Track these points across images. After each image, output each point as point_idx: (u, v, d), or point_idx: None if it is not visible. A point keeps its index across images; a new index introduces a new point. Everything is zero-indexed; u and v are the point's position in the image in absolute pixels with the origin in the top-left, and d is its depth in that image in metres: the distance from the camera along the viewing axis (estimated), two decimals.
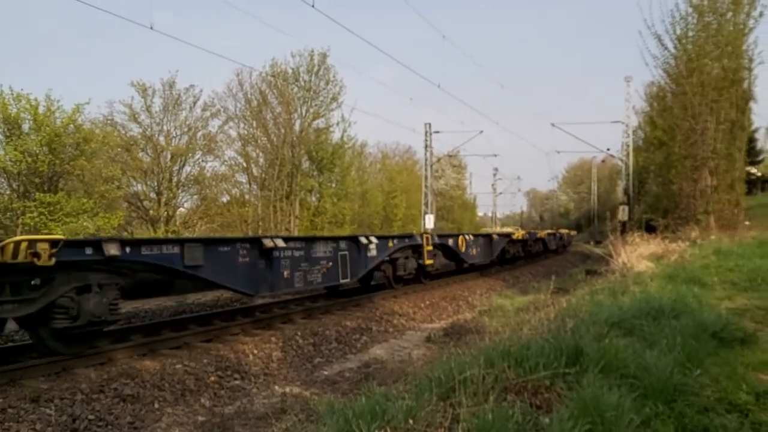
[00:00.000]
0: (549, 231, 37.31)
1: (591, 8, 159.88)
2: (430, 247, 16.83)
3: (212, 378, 8.00)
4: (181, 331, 9.99)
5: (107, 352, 8.26)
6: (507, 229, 36.02)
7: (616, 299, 8.90)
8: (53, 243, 7.06)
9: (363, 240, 13.62)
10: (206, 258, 9.18)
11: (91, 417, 6.43)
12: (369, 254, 13.82)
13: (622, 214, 40.28)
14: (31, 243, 6.83)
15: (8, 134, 22.53)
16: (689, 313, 7.23)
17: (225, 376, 8.19)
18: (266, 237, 10.69)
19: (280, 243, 10.73)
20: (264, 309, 12.37)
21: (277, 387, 8.14)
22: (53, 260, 7.00)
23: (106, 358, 8.09)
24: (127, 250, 8.07)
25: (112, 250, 7.75)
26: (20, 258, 6.69)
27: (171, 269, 8.70)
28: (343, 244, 12.95)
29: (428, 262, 16.58)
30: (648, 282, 10.56)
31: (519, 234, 27.27)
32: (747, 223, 22.54)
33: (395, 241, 15.34)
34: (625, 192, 42.97)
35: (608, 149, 48.97)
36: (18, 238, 6.83)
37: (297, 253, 11.37)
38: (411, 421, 3.94)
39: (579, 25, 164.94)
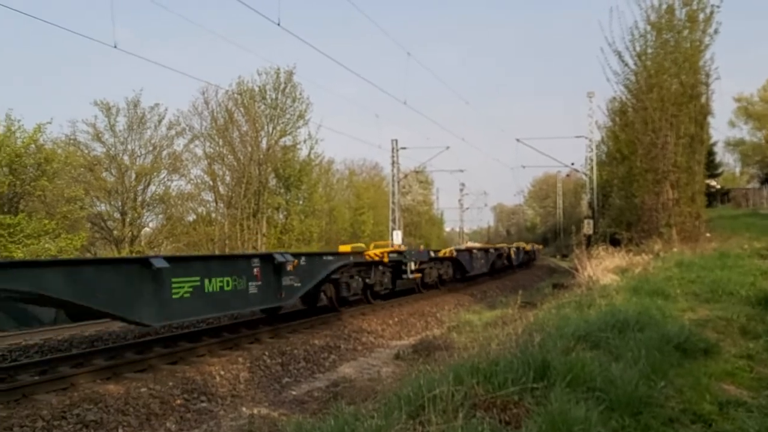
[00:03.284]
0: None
1: (553, 25, 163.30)
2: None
3: (178, 401, 7.84)
4: (146, 353, 9.79)
5: (69, 377, 8.04)
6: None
7: (582, 312, 8.99)
8: None
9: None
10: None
11: None
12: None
13: (587, 227, 40.85)
14: None
15: None
16: (653, 325, 7.35)
17: (191, 398, 8.04)
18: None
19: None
20: (231, 329, 12.20)
21: (244, 408, 8.01)
22: None
23: (68, 383, 7.87)
24: None
25: None
26: None
27: None
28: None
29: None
30: (613, 295, 10.69)
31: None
32: (708, 234, 23.01)
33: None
34: (590, 206, 43.63)
35: (572, 164, 49.61)
36: None
37: None
38: None
39: (542, 41, 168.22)
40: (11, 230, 21.36)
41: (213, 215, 37.41)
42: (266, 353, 10.24)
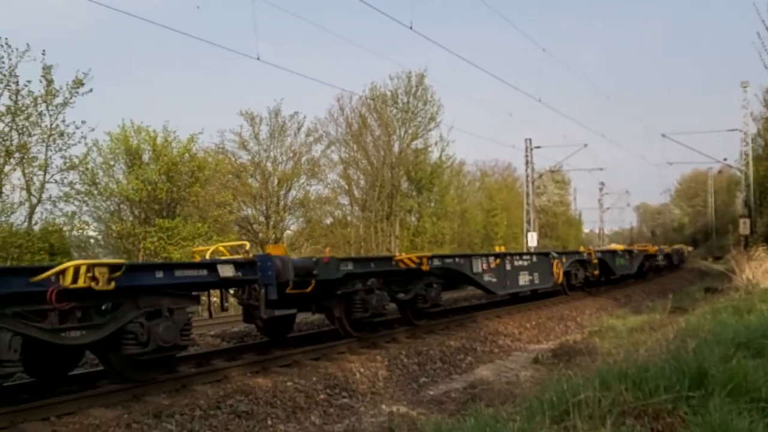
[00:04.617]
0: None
1: (700, 13, 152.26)
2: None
3: (321, 396, 8.14)
4: (290, 349, 10.26)
5: (222, 369, 8.59)
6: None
7: (741, 318, 8.31)
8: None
9: None
10: None
11: None
12: None
13: (743, 227, 37.70)
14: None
15: (130, 164, 24.22)
16: None
17: (333, 394, 8.31)
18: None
19: None
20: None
21: (384, 406, 8.17)
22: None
23: (222, 375, 8.41)
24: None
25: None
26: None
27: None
28: None
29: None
30: None
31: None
32: None
33: None
34: (746, 204, 40.21)
35: (725, 159, 45.93)
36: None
37: None
38: None
39: (689, 30, 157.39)
40: (170, 233, 23.23)
41: (349, 218, 38.57)
42: (403, 352, 10.37)
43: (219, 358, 9.62)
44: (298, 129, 32.89)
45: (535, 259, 16.74)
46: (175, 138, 25.32)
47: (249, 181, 32.10)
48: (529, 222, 43.13)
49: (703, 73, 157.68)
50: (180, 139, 25.39)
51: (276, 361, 9.31)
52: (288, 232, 34.24)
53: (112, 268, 6.79)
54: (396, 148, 37.24)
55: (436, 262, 12.38)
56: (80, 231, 23.10)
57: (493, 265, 14.09)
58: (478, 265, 13.58)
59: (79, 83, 19.96)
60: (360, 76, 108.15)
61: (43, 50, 19.33)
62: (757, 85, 40.56)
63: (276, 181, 32.19)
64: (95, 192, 23.61)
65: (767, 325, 7.03)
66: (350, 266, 10.10)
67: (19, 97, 18.89)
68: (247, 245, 10.33)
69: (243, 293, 9.30)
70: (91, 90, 20.25)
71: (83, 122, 20.45)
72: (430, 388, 9.34)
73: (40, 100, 19.42)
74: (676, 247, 39.92)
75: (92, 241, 24.76)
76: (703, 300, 14.36)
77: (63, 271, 6.40)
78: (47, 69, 19.27)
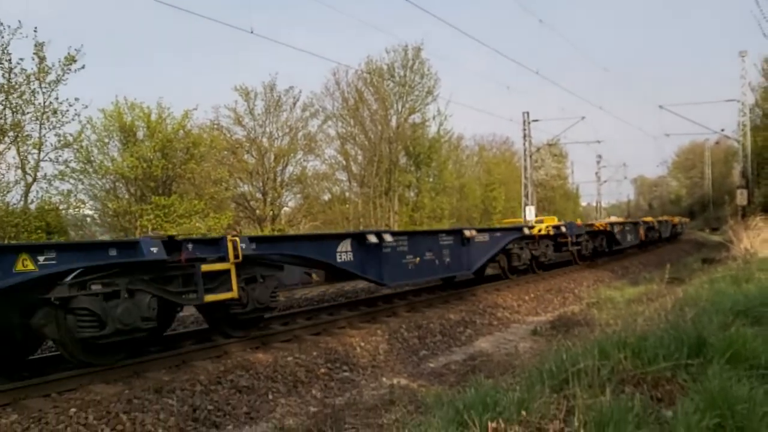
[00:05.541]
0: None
1: None
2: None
3: (322, 370, 8.19)
4: (290, 324, 10.29)
5: (222, 345, 8.62)
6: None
7: (739, 287, 8.34)
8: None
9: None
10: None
11: (210, 407, 6.75)
12: None
13: (741, 198, 37.71)
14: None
15: (125, 141, 24.02)
16: None
17: (334, 368, 8.36)
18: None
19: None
20: (369, 303, 12.53)
21: (384, 379, 8.22)
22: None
23: (222, 351, 8.45)
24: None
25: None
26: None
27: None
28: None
29: None
30: None
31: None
32: None
33: None
34: (743, 175, 40.15)
35: (722, 130, 45.83)
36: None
37: None
38: (524, 413, 3.84)
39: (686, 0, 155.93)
40: (166, 210, 23.13)
41: (347, 194, 38.49)
42: (403, 326, 10.42)
43: (219, 333, 9.64)
44: (294, 104, 32.58)
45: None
46: (170, 114, 25.05)
47: (245, 157, 31.88)
48: (527, 196, 43.08)
49: (701, 43, 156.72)
50: (174, 115, 25.12)
51: (276, 336, 9.35)
52: (285, 208, 34.16)
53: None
54: (393, 123, 37.01)
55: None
56: (76, 209, 23.00)
57: None
58: None
59: (71, 60, 19.68)
60: (357, 49, 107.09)
61: (35, 27, 19.05)
62: (755, 55, 40.39)
63: (272, 157, 32.00)
64: (90, 170, 23.42)
65: (766, 293, 7.05)
66: None
67: (12, 75, 18.65)
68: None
69: None
70: (83, 67, 19.96)
71: (76, 99, 20.19)
72: (431, 360, 9.40)
73: (33, 78, 19.18)
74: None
75: (89, 219, 24.67)
76: (701, 270, 14.40)
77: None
78: (39, 46, 19.00)
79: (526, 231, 16.40)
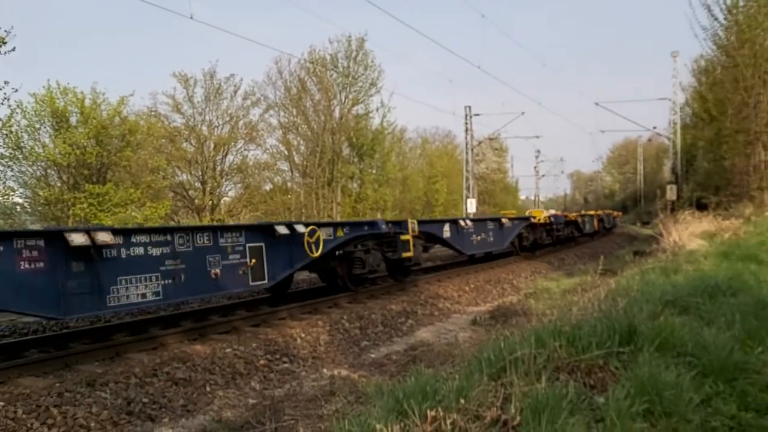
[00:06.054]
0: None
1: None
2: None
3: (261, 361, 8.09)
4: (230, 315, 10.14)
5: (158, 337, 8.42)
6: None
7: (668, 278, 8.67)
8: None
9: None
10: None
11: (145, 400, 6.58)
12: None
13: (671, 193, 39.26)
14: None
15: (57, 127, 23.09)
16: (747, 291, 7.00)
17: (274, 359, 8.28)
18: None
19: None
20: (311, 294, 12.45)
21: (325, 370, 8.19)
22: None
23: (158, 343, 8.25)
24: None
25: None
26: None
27: None
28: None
29: None
30: (701, 260, 10.26)
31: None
32: None
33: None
34: (673, 171, 41.80)
35: (654, 127, 47.61)
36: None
37: None
38: (462, 401, 3.89)
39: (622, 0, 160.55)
40: (100, 199, 22.40)
41: (289, 184, 38.14)
42: (345, 317, 10.41)
43: (155, 325, 9.42)
44: (235, 92, 32.06)
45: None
46: (105, 100, 24.31)
47: (183, 145, 31.16)
48: (468, 189, 43.69)
49: (637, 43, 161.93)
50: (110, 101, 24.41)
51: (214, 327, 9.20)
52: (225, 198, 33.59)
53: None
54: (337, 114, 36.86)
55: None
56: (5, 197, 22.00)
57: None
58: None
59: (1, 42, 18.76)
60: (300, 38, 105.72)
61: None
62: (686, 56, 41.97)
63: (212, 146, 31.41)
64: (20, 156, 22.49)
65: (693, 284, 7.35)
66: None
67: None
68: None
69: None
70: (14, 49, 19.01)
71: (6, 83, 19.24)
72: (372, 351, 9.42)
73: None
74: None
75: (18, 208, 23.63)
76: (632, 262, 14.89)
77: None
78: None
79: (533, 220, 21.95)
